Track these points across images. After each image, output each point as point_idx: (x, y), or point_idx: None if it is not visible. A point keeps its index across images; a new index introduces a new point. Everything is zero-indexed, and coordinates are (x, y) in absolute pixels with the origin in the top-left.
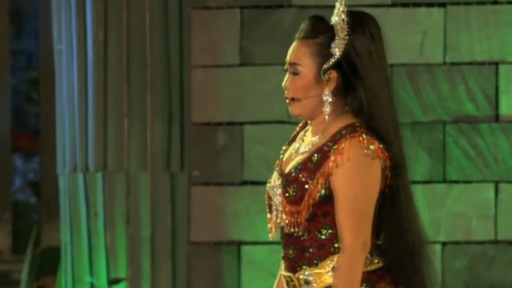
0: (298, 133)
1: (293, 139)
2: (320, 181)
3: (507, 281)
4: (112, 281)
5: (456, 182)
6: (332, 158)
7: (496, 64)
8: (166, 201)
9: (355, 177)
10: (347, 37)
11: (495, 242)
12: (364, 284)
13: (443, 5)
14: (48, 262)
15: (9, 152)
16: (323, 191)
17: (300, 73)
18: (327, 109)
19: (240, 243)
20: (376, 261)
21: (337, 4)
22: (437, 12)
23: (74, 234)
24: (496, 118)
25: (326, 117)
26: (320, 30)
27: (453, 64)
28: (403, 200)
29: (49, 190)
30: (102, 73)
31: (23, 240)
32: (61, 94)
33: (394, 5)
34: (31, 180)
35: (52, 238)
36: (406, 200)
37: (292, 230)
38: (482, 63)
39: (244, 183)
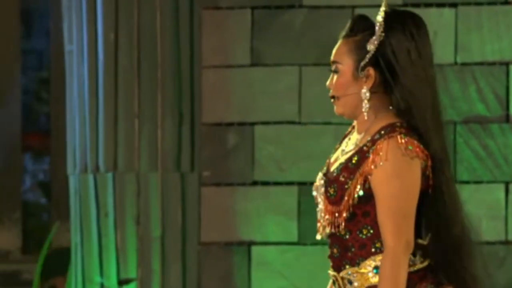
0: (349, 132)
1: (344, 138)
2: (359, 181)
3: None
4: (122, 282)
5: (466, 182)
6: (371, 158)
7: (507, 64)
8: (176, 202)
9: (394, 177)
10: (382, 35)
11: (506, 242)
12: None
13: (454, 5)
14: (58, 263)
15: (20, 152)
16: (362, 192)
17: (340, 71)
18: (365, 106)
19: (250, 244)
20: (419, 261)
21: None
22: (448, 12)
23: (84, 235)
24: (507, 118)
25: (365, 114)
26: (360, 28)
27: (464, 64)
28: (447, 199)
29: (59, 190)
30: (112, 73)
31: (33, 240)
32: (71, 94)
33: (405, 5)
34: (41, 180)
35: (63, 239)
36: (450, 199)
37: (333, 230)
38: (493, 63)
39: (255, 183)
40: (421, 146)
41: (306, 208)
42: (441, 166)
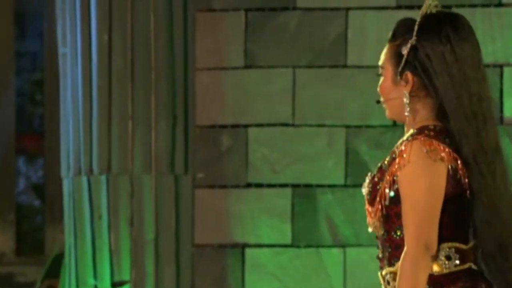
0: None
1: None
2: (388, 182)
3: None
4: (116, 284)
5: None
6: (397, 160)
7: (501, 66)
8: (170, 204)
9: (416, 179)
10: (415, 39)
11: None
12: (428, 286)
13: (448, 7)
14: (56, 265)
15: (13, 154)
16: (392, 193)
17: (383, 75)
18: (406, 110)
19: (244, 246)
20: (453, 265)
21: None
22: None
23: (78, 237)
24: (501, 120)
25: (406, 118)
26: (401, 32)
27: None
28: (487, 203)
29: (53, 192)
30: (106, 75)
31: (26, 243)
32: (65, 97)
33: (399, 7)
34: (35, 182)
35: (56, 241)
36: (491, 202)
37: (373, 230)
38: (486, 66)
39: (249, 185)
40: (448, 149)
41: (299, 210)
42: (479, 169)
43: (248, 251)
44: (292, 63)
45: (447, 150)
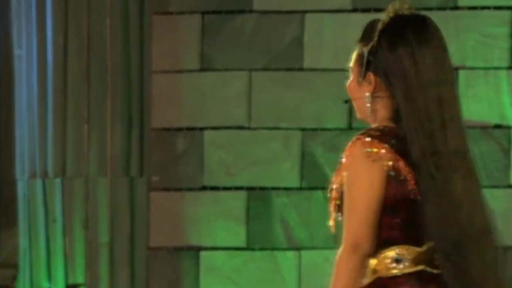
0: None
1: None
2: (336, 182)
3: None
4: (70, 287)
5: None
6: (342, 160)
7: (456, 69)
8: (125, 207)
9: (353, 179)
10: (376, 40)
11: None
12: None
13: None
14: None
15: None
16: (341, 192)
17: (350, 75)
18: (368, 111)
19: (199, 249)
20: (402, 267)
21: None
22: None
23: (32, 240)
24: None
25: (368, 119)
26: (367, 33)
27: None
28: (437, 203)
29: (8, 195)
30: (62, 78)
31: None
32: (20, 99)
33: (355, 10)
34: None
35: (10, 244)
36: (442, 203)
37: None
38: None
39: (204, 188)
40: (390, 150)
41: (254, 213)
42: (429, 172)
43: (203, 254)
44: (249, 66)
45: (388, 151)
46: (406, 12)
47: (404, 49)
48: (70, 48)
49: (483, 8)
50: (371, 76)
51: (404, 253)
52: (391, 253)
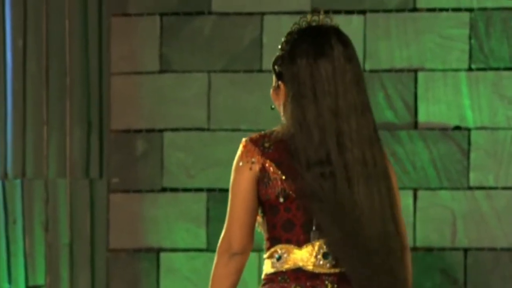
0: None
1: None
2: None
3: (425, 287)
4: None
5: None
6: None
7: (415, 71)
8: (85, 208)
9: (231, 180)
10: (281, 51)
11: (414, 249)
12: (262, 283)
13: (362, 12)
14: None
15: None
16: None
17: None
18: (282, 118)
19: (159, 250)
20: (281, 265)
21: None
22: (356, 19)
23: None
24: (415, 125)
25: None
26: (282, 45)
27: (372, 71)
28: (324, 207)
29: None
30: (21, 80)
31: None
32: None
33: (314, 11)
34: None
35: None
36: (329, 206)
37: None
38: (401, 70)
39: (164, 190)
40: (261, 152)
41: (214, 214)
42: (313, 178)
43: (163, 255)
44: (207, 68)
45: (258, 153)
46: (315, 23)
47: (301, 60)
48: (29, 51)
49: (441, 10)
50: (281, 85)
51: (283, 252)
52: (275, 251)
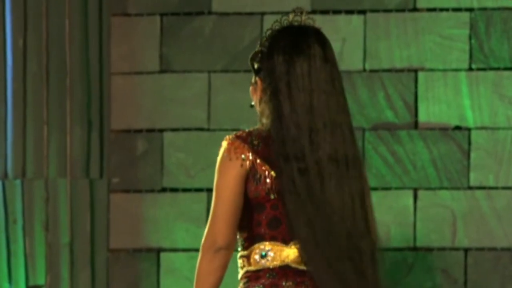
0: None
1: None
2: None
3: (425, 287)
4: None
5: (375, 189)
6: None
7: (415, 71)
8: (85, 208)
9: (216, 176)
10: (260, 48)
11: (414, 249)
12: (242, 281)
13: (362, 12)
14: None
15: None
16: None
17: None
18: (258, 114)
19: (159, 250)
20: (265, 262)
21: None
22: (356, 19)
23: None
24: (415, 125)
25: (258, 122)
26: (262, 42)
27: (372, 71)
28: (294, 203)
29: None
30: (21, 80)
31: None
32: None
33: (313, 11)
34: None
35: None
36: (297, 203)
37: None
38: (401, 70)
39: (164, 190)
40: (250, 149)
41: None
42: (291, 175)
43: (163, 255)
44: (207, 68)
45: (247, 150)
46: (296, 23)
47: (278, 57)
48: (29, 51)
49: (441, 10)
50: (258, 81)
51: (269, 249)
52: (259, 248)
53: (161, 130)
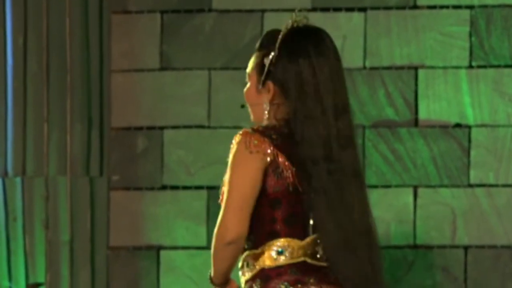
0: None
1: None
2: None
3: (426, 285)
4: (30, 286)
5: (375, 186)
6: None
7: (416, 68)
8: (85, 206)
9: (232, 168)
10: (277, 51)
11: (414, 246)
12: (259, 279)
13: (363, 9)
14: None
15: None
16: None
17: (249, 82)
18: (265, 117)
19: (159, 248)
20: (283, 259)
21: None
22: (357, 16)
23: None
24: (415, 122)
25: (264, 123)
26: (265, 43)
27: (372, 68)
28: (317, 200)
29: None
30: (21, 78)
31: None
32: None
33: (314, 9)
34: None
35: None
36: (319, 200)
37: None
38: (401, 68)
39: (164, 187)
40: (269, 144)
41: (215, 212)
42: (320, 175)
43: (163, 253)
44: (208, 65)
45: (268, 144)
46: (301, 25)
47: (304, 60)
48: (29, 49)
49: (442, 7)
50: (270, 84)
51: (286, 245)
52: (274, 245)
53: (161, 128)
